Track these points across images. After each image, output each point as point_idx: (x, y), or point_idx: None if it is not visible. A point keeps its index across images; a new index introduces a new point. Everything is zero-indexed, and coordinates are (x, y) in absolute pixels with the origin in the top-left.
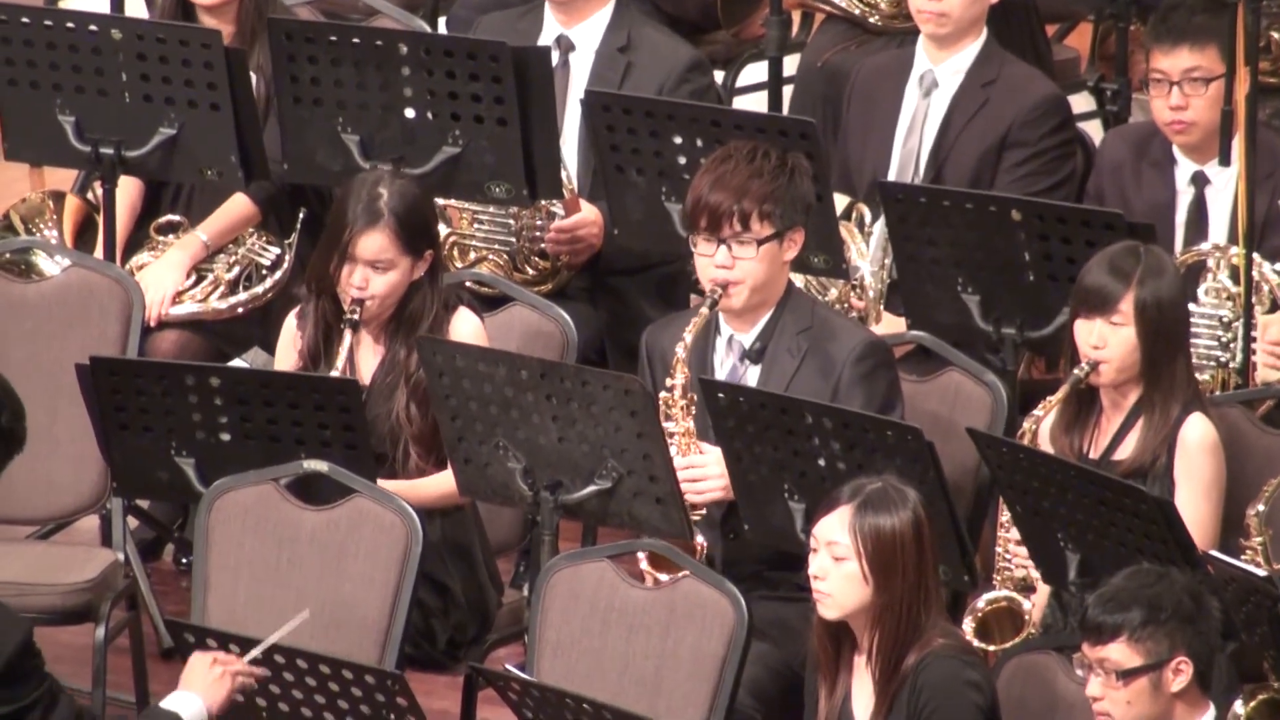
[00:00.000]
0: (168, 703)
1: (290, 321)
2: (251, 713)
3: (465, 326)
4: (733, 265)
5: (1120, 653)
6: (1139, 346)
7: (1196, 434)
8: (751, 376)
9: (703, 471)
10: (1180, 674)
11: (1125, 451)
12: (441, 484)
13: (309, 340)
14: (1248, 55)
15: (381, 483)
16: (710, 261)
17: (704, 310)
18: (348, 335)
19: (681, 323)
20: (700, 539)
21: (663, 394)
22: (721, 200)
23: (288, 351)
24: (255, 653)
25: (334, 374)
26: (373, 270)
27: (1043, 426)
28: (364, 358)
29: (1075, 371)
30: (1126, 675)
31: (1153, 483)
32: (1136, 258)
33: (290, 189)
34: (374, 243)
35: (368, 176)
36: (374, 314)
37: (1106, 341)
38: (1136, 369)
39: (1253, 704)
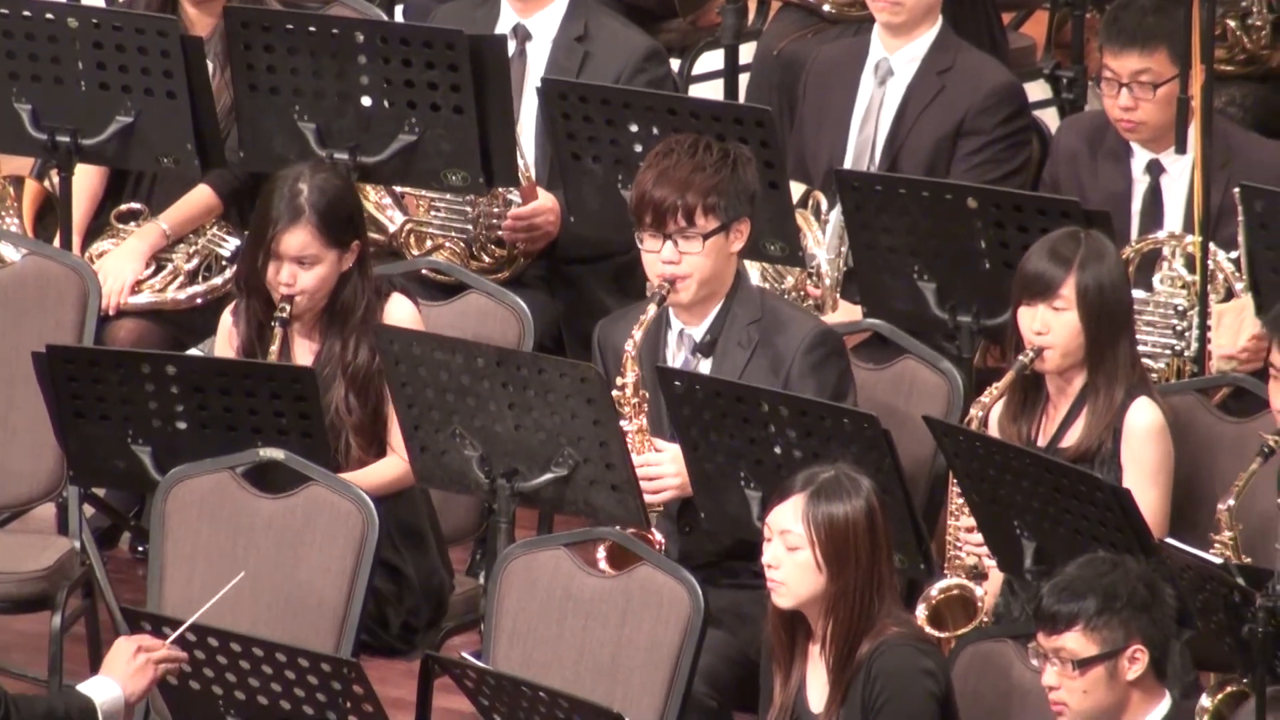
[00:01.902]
0: (86, 686)
1: (225, 318)
2: (207, 701)
3: (400, 312)
4: (679, 260)
5: (1076, 642)
6: (1082, 331)
7: (1142, 419)
8: (703, 370)
9: (658, 470)
10: (1136, 662)
11: (1072, 438)
12: (384, 472)
13: (243, 338)
14: (1203, 53)
15: None
16: (657, 257)
17: (652, 307)
18: (277, 335)
19: (634, 317)
20: (658, 537)
21: (614, 392)
22: (665, 196)
23: (224, 349)
24: (180, 630)
25: None
26: (299, 266)
27: (991, 415)
28: (299, 353)
29: (1020, 358)
30: (1082, 664)
31: (1099, 468)
32: (1077, 242)
33: (253, 182)
34: (297, 239)
35: (288, 173)
36: (304, 309)
37: (1049, 327)
38: (1081, 354)
39: (1220, 696)
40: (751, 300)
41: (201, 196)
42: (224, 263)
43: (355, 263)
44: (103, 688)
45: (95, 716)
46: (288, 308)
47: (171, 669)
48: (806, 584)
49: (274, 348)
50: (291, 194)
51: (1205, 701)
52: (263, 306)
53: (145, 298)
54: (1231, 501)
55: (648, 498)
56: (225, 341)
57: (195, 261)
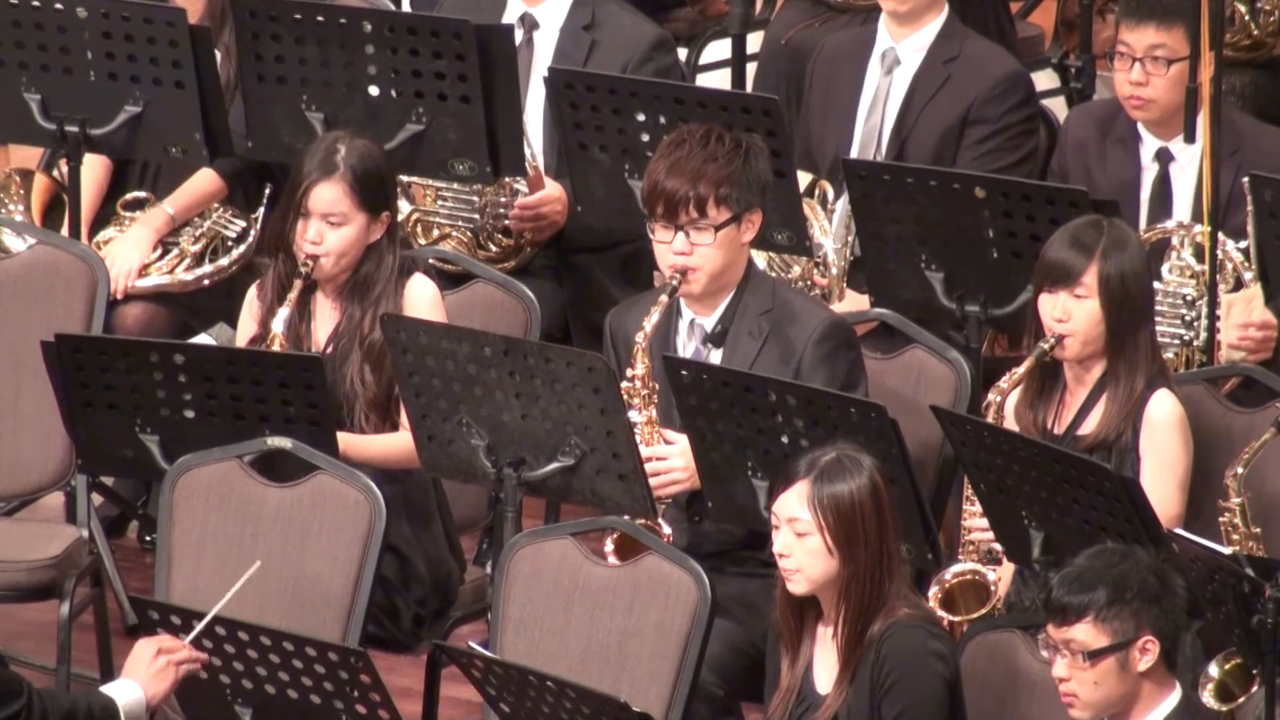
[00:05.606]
0: (108, 689)
1: (251, 293)
2: (215, 690)
3: (420, 292)
4: (691, 251)
5: (1086, 633)
6: (1103, 319)
7: (1163, 410)
8: (714, 360)
9: (667, 464)
10: (1147, 653)
11: (1089, 426)
12: (393, 443)
13: (266, 303)
14: (1213, 39)
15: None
16: (668, 248)
17: (663, 298)
18: (297, 286)
19: (645, 305)
20: (667, 530)
21: (624, 384)
22: (677, 187)
23: (248, 323)
24: (200, 626)
25: (280, 320)
26: (327, 225)
27: (1008, 403)
28: (320, 321)
29: (1040, 345)
30: (1093, 656)
31: (1116, 457)
32: (1100, 230)
33: (256, 164)
34: (328, 194)
35: (329, 134)
36: (329, 273)
37: (1070, 315)
38: (1101, 342)
39: (1228, 667)
40: (763, 290)
41: (205, 180)
42: (230, 244)
43: (385, 234)
44: (124, 690)
45: (117, 716)
46: (311, 265)
47: (192, 669)
48: (819, 568)
49: (293, 295)
50: (328, 151)
51: (1212, 670)
52: (289, 269)
53: (152, 280)
54: (1240, 469)
55: (657, 491)
56: (249, 316)
57: (201, 244)
